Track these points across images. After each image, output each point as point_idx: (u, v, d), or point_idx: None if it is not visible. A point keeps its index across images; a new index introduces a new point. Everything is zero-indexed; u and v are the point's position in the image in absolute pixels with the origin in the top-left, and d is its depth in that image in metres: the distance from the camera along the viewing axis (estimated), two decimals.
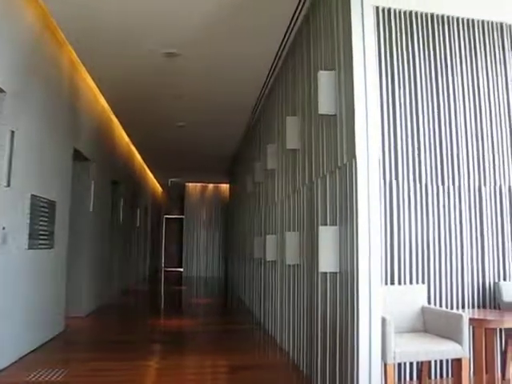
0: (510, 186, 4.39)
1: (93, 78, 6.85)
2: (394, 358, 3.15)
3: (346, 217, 3.24)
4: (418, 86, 4.28)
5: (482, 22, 4.62)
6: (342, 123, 3.39)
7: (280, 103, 5.89)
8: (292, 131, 4.66)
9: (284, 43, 5.26)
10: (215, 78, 6.58)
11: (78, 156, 6.52)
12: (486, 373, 3.80)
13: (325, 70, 3.72)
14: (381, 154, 4.04)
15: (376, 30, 4.24)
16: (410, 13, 4.40)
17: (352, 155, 3.15)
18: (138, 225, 12.72)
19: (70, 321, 6.24)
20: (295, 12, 4.58)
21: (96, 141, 7.60)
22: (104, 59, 6.04)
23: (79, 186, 6.91)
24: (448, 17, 4.52)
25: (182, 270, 17.42)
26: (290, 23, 4.81)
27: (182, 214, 17.79)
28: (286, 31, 5.01)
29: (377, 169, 3.15)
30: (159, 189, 18.32)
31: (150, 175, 15.75)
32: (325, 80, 3.60)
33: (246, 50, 5.61)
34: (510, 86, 4.57)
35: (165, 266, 18.74)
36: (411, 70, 4.30)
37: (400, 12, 4.38)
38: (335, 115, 3.54)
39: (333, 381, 3.39)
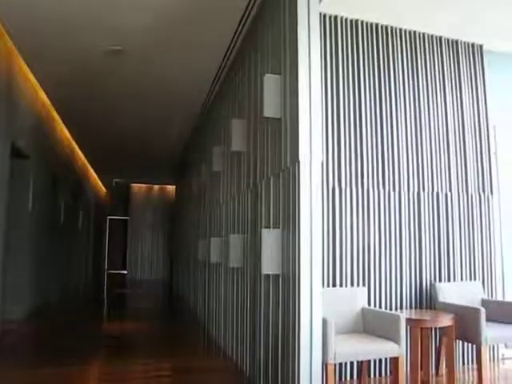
0: (446, 193, 4.61)
1: (33, 72, 6.56)
2: (335, 358, 3.23)
3: (288, 220, 3.27)
4: (362, 95, 4.42)
5: (423, 34, 4.82)
6: (287, 127, 3.42)
7: (226, 106, 5.89)
8: (237, 134, 4.66)
9: (232, 46, 5.25)
10: (161, 77, 6.48)
11: (16, 153, 6.23)
12: (421, 370, 3.97)
13: (271, 73, 3.74)
14: (325, 159, 4.14)
15: (323, 37, 4.34)
16: (356, 21, 4.54)
17: (295, 159, 3.18)
18: (79, 225, 12.31)
19: (4, 323, 5.95)
20: (243, 15, 4.59)
21: (36, 137, 7.29)
22: (45, 52, 5.74)
23: (17, 184, 6.61)
24: (392, 27, 4.69)
25: (125, 272, 17.03)
26: (238, 26, 4.81)
27: (127, 215, 17.40)
28: (234, 34, 5.00)
29: (319, 173, 3.19)
30: (103, 189, 17.85)
31: (94, 175, 15.31)
32: (270, 84, 3.62)
33: (192, 53, 5.57)
34: (447, 99, 4.79)
35: (108, 269, 18.24)
36: (356, 78, 4.43)
37: (346, 20, 4.50)
38: (280, 119, 3.56)
39: (275, 383, 3.41)
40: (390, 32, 4.68)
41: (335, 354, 3.22)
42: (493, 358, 4.64)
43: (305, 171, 3.12)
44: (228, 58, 5.58)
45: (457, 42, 4.98)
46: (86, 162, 13.25)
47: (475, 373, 3.86)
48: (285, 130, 3.45)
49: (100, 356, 5.10)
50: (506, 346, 4.70)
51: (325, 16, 4.40)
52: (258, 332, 3.85)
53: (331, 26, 4.44)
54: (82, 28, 5.06)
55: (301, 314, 3.02)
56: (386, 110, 4.50)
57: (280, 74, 3.65)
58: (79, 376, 4.24)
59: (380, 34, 4.64)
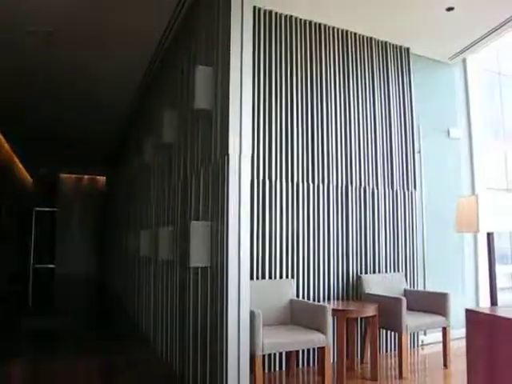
0: (373, 188, 4.77)
1: None
2: (263, 350, 3.26)
3: (217, 212, 3.26)
4: (294, 91, 4.47)
5: (355, 34, 4.95)
6: (217, 119, 3.40)
7: (159, 97, 5.77)
8: (169, 125, 4.58)
9: (165, 36, 5.14)
10: (91, 64, 6.21)
11: None
12: (348, 358, 4.10)
13: (204, 65, 3.69)
14: (255, 153, 4.15)
15: (257, 31, 4.34)
16: (290, 17, 4.57)
17: (225, 151, 3.17)
18: (0, 217, 11.63)
19: None
20: (177, 6, 4.50)
21: None
22: None
23: None
24: (324, 25, 4.77)
25: (54, 266, 16.32)
26: (172, 16, 4.71)
27: (55, 207, 16.65)
28: (168, 24, 4.89)
29: (249, 166, 3.20)
30: (29, 179, 16.96)
31: (19, 165, 14.52)
32: (202, 75, 3.58)
33: (126, 40, 5.38)
34: (376, 99, 4.96)
35: (35, 263, 17.41)
36: (288, 74, 4.47)
37: (281, 16, 4.52)
38: (211, 111, 3.54)
39: (203, 376, 3.39)
40: (322, 30, 4.76)
41: (263, 345, 3.26)
42: (413, 345, 4.88)
43: (234, 164, 3.11)
44: (162, 48, 5.46)
45: (386, 43, 5.16)
46: (10, 150, 12.53)
47: (397, 359, 4.03)
48: (215, 122, 3.44)
49: (26, 354, 4.87)
50: (425, 333, 4.96)
51: (259, 10, 4.40)
52: (187, 326, 3.82)
53: (265, 20, 4.45)
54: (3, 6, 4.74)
55: (228, 307, 3.02)
56: (317, 107, 4.58)
57: (212, 66, 3.61)
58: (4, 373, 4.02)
59: (313, 31, 4.71)
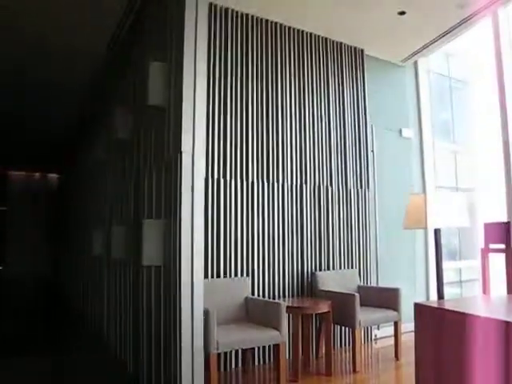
0: (327, 187, 4.84)
1: None
2: (218, 348, 3.26)
3: (170, 210, 3.23)
4: (249, 90, 4.48)
5: (310, 34, 5.00)
6: (170, 116, 3.36)
7: (112, 93, 5.65)
8: (122, 121, 4.50)
9: (119, 31, 5.03)
10: (42, 50, 5.95)
11: None
12: (303, 354, 4.16)
13: (157, 61, 3.64)
14: (210, 151, 4.14)
15: (213, 28, 4.32)
16: (247, 15, 4.57)
17: (178, 149, 3.14)
18: None
19: None
20: (130, 1, 4.41)
21: None
22: None
23: None
24: (281, 24, 4.80)
25: (0, 268, 15.71)
26: (125, 12, 4.62)
27: (4, 206, 16.01)
28: (121, 21, 4.79)
29: (203, 164, 3.19)
30: None
31: None
32: (155, 71, 3.52)
33: (79, 35, 5.23)
34: (331, 99, 5.03)
35: None
36: (244, 72, 4.48)
37: (237, 13, 4.52)
38: (164, 108, 3.50)
39: (157, 376, 3.36)
40: (278, 29, 4.79)
41: (218, 343, 3.25)
42: (367, 339, 5.00)
43: (187, 161, 3.09)
44: (115, 43, 5.34)
45: (341, 44, 5.24)
46: None
47: (351, 353, 4.11)
48: (168, 119, 3.40)
49: None
50: (378, 328, 5.08)
51: (215, 7, 4.38)
52: (141, 324, 3.76)
53: (221, 17, 4.44)
54: None
55: (182, 305, 3.00)
56: (273, 106, 4.61)
57: (166, 62, 3.57)
58: None
59: (269, 29, 4.73)
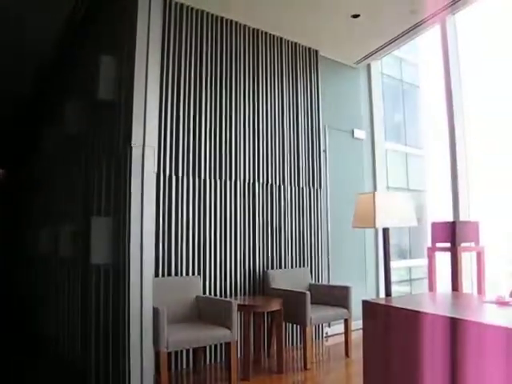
0: (279, 185, 4.87)
1: None
2: (168, 347, 3.21)
3: (119, 207, 3.16)
4: (203, 87, 4.44)
5: (266, 33, 5.01)
6: (121, 110, 3.29)
7: (61, 85, 5.48)
8: (72, 116, 4.36)
9: (70, 24, 4.88)
10: None
11: None
12: (254, 353, 4.16)
13: (108, 55, 3.55)
14: (162, 147, 4.06)
15: (167, 23, 4.24)
16: (202, 12, 4.53)
17: (128, 143, 3.07)
18: None
19: None
20: None
21: None
22: None
23: None
24: (236, 22, 4.78)
25: None
26: (77, 5, 4.48)
27: None
28: (72, 13, 4.64)
29: (153, 160, 3.13)
30: None
31: None
32: (107, 65, 3.44)
33: (30, 28, 5.03)
34: (285, 98, 5.06)
35: None
36: (198, 69, 4.43)
37: (192, 9, 4.47)
38: (115, 102, 3.41)
39: (105, 376, 3.28)
40: (234, 27, 4.77)
41: (168, 342, 3.21)
42: (318, 337, 5.06)
43: (137, 156, 3.03)
44: (67, 35, 5.18)
45: (295, 44, 5.28)
46: None
47: (302, 351, 4.14)
48: (119, 114, 3.32)
49: None
50: (329, 325, 5.15)
51: (170, 2, 4.31)
52: (90, 324, 3.67)
53: (176, 13, 4.37)
54: None
55: (130, 304, 2.94)
56: (226, 104, 4.59)
57: (117, 56, 3.49)
58: None
59: (224, 27, 4.70)
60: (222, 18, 4.68)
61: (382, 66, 10.04)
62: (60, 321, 4.68)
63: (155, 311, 3.11)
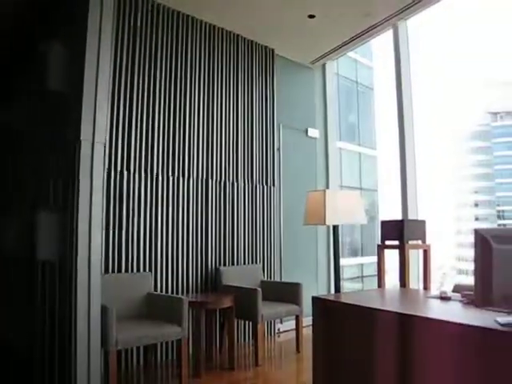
0: (233, 183, 4.88)
1: None
2: (117, 345, 3.15)
3: (66, 202, 3.08)
4: (157, 81, 4.37)
5: (222, 29, 4.99)
6: (71, 102, 3.20)
7: (12, 79, 5.26)
8: (20, 107, 4.22)
9: (20, 13, 4.68)
10: None
11: None
12: (206, 350, 4.16)
13: (59, 45, 3.45)
14: (114, 142, 3.98)
15: (121, 16, 4.15)
16: (158, 5, 4.46)
17: (77, 137, 2.99)
18: None
19: None
20: None
21: None
22: None
23: None
24: (193, 18, 4.73)
25: None
26: None
27: None
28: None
29: (102, 154, 3.06)
30: None
31: None
32: (56, 57, 3.34)
33: None
34: (240, 96, 5.06)
35: None
36: (152, 63, 4.36)
37: (148, 2, 4.39)
38: (65, 93, 3.32)
39: (51, 375, 3.19)
40: (190, 22, 4.72)
41: (117, 340, 3.15)
42: (270, 333, 5.10)
43: (86, 150, 2.96)
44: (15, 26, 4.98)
45: (252, 42, 5.29)
46: None
47: (254, 347, 4.16)
48: (69, 107, 3.23)
49: None
50: (281, 322, 5.21)
51: None
52: (36, 321, 3.55)
53: (131, 6, 4.28)
54: None
55: (77, 301, 2.88)
56: (181, 99, 4.55)
57: (68, 46, 3.40)
58: None
59: (180, 22, 4.65)
60: (178, 12, 4.62)
61: (339, 68, 10.23)
62: (4, 316, 4.52)
63: (104, 309, 3.05)
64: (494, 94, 22.87)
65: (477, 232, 1.92)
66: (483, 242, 1.88)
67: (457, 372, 1.87)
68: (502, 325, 1.78)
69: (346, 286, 10.52)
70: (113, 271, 3.87)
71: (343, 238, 10.81)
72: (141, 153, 4.18)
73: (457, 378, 1.87)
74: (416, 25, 5.29)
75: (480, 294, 1.91)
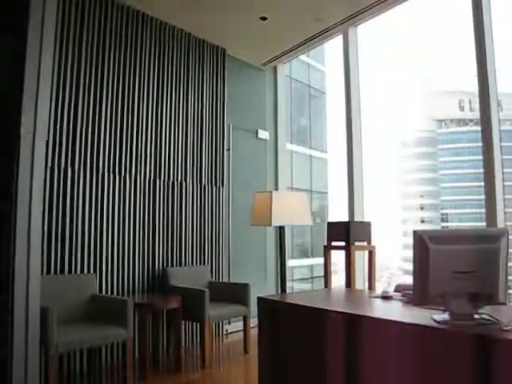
0: (181, 183, 4.82)
1: None
2: (58, 349, 3.05)
3: (4, 199, 2.95)
4: (105, 77, 4.26)
5: (174, 27, 4.92)
6: (9, 95, 3.06)
7: None
8: None
9: None
10: None
11: None
12: (152, 352, 4.10)
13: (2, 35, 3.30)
14: (58, 138, 3.84)
15: (67, 9, 4.02)
16: (106, 0, 4.34)
17: (17, 132, 2.88)
18: None
19: None
20: None
21: None
22: None
23: None
24: (143, 14, 4.64)
25: None
26: None
27: None
28: None
29: (43, 152, 2.96)
30: None
31: None
32: None
33: None
34: (190, 96, 5.02)
35: None
36: (100, 59, 4.24)
37: None
38: (5, 88, 3.18)
39: None
40: (140, 18, 4.63)
41: (58, 344, 3.05)
42: (218, 334, 5.08)
43: (26, 146, 2.85)
44: None
45: (203, 41, 5.25)
46: None
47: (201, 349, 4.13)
48: (6, 98, 3.09)
49: None
50: (229, 323, 5.20)
51: None
52: None
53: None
54: None
55: (14, 304, 2.76)
56: (129, 98, 4.44)
57: (8, 39, 3.25)
58: None
59: (130, 18, 4.54)
60: (128, 7, 4.52)
61: (292, 71, 10.33)
62: None
63: (43, 311, 2.94)
64: (439, 102, 23.83)
65: (415, 233, 1.99)
66: (421, 243, 1.95)
67: (399, 368, 1.93)
68: (438, 322, 1.86)
69: (296, 286, 10.63)
70: (55, 272, 3.73)
71: (294, 240, 10.93)
72: (86, 150, 4.05)
73: (399, 374, 1.93)
74: (366, 32, 5.43)
75: (418, 293, 1.97)
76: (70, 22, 4.05)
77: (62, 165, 3.87)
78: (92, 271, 3.98)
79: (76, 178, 3.95)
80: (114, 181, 4.23)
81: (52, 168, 3.76)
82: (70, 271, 3.83)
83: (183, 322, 4.22)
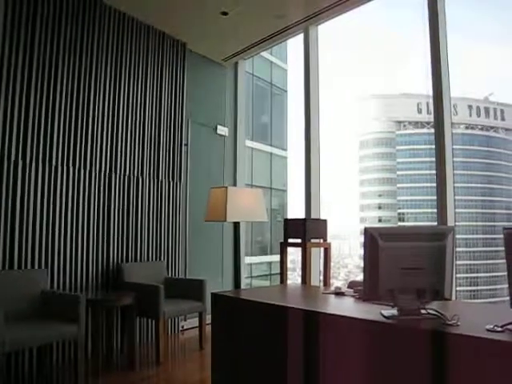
0: (137, 177, 4.75)
1: None
2: (4, 347, 2.95)
3: None
4: (59, 68, 4.12)
5: (133, 18, 4.83)
6: None
7: None
8: None
9: None
10: None
11: None
12: (105, 350, 4.03)
13: None
14: (7, 129, 3.71)
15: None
16: None
17: None
18: None
19: None
20: None
21: None
22: None
23: None
24: (102, 3, 4.52)
25: None
26: None
27: None
28: None
29: None
30: None
31: None
32: None
33: None
34: (148, 89, 4.94)
35: None
36: (54, 49, 4.10)
37: None
38: None
39: None
40: (98, 8, 4.51)
41: (4, 342, 2.95)
42: (174, 331, 5.05)
43: None
44: None
45: (163, 34, 5.17)
46: None
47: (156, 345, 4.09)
48: None
49: None
50: (185, 319, 5.17)
51: None
52: None
53: None
54: None
55: None
56: (84, 88, 4.33)
57: None
58: None
59: (88, 7, 4.42)
60: None
61: (254, 69, 10.34)
62: None
63: None
64: (398, 104, 24.42)
65: (366, 230, 2.04)
66: (371, 240, 2.00)
67: (351, 362, 1.97)
68: (387, 317, 1.91)
69: (255, 282, 10.71)
70: (3, 267, 3.60)
71: (254, 237, 10.98)
72: (39, 141, 3.92)
73: (352, 368, 1.98)
74: (328, 32, 5.50)
75: (368, 289, 2.03)
76: (23, 9, 3.90)
77: (13, 157, 3.72)
78: (43, 266, 3.86)
79: (27, 171, 3.82)
80: (68, 174, 4.12)
81: (1, 160, 3.63)
82: (19, 266, 3.70)
83: (138, 318, 4.16)
